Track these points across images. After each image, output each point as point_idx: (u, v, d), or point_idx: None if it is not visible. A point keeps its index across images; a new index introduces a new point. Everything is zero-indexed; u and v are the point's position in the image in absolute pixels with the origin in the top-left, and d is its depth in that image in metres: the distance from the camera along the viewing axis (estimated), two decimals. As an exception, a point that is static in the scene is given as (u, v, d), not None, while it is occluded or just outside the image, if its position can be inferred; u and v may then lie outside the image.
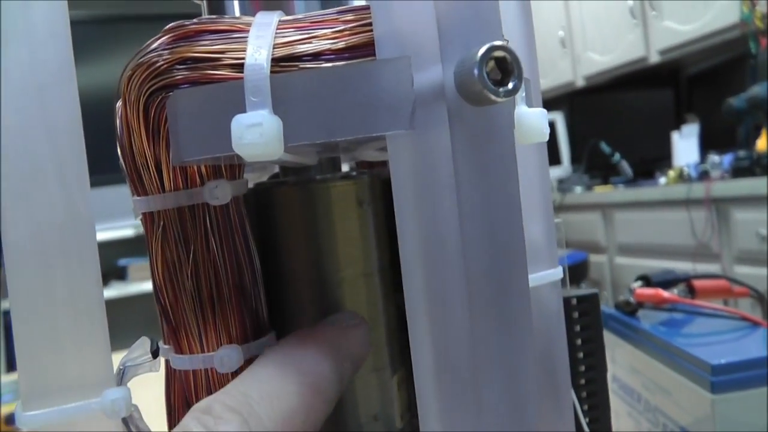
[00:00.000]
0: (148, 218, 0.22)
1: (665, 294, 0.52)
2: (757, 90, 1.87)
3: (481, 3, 0.15)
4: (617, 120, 2.64)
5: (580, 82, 2.78)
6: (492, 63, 0.14)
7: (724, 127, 2.16)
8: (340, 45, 0.17)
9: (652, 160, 2.49)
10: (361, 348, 0.22)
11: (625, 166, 2.40)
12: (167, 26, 0.19)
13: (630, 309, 0.54)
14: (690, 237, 1.93)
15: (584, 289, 0.33)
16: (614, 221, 2.30)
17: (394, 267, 0.26)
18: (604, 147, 2.39)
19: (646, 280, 0.55)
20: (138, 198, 0.22)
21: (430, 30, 0.14)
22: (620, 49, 2.53)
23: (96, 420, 0.22)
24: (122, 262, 2.60)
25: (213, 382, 0.22)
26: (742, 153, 1.85)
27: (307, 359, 0.20)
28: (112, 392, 0.21)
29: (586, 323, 0.32)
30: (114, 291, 2.52)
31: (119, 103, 0.23)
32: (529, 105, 0.19)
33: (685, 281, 0.56)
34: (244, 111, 0.15)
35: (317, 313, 0.24)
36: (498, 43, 0.14)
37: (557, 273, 0.26)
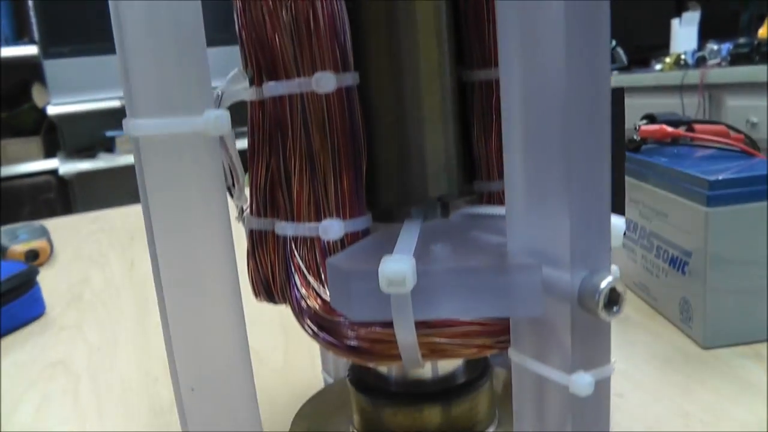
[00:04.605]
0: None
1: (669, 128, 0.55)
2: (764, -25, 1.84)
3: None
4: (615, 5, 2.58)
5: (583, -35, 2.69)
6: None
7: (725, 15, 2.13)
8: None
9: (649, 48, 2.47)
10: None
11: (620, 53, 2.38)
12: None
13: (634, 146, 0.57)
14: (681, 123, 1.96)
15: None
16: (606, 108, 2.31)
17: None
18: (602, 32, 2.36)
19: (651, 119, 0.58)
20: None
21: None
22: (627, -71, 2.45)
23: (193, 142, 0.24)
24: (110, 133, 2.59)
25: (309, 105, 0.24)
26: (742, 40, 1.84)
27: None
28: (213, 111, 0.24)
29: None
30: (102, 162, 2.53)
31: None
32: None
33: (687, 123, 0.59)
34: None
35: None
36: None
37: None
